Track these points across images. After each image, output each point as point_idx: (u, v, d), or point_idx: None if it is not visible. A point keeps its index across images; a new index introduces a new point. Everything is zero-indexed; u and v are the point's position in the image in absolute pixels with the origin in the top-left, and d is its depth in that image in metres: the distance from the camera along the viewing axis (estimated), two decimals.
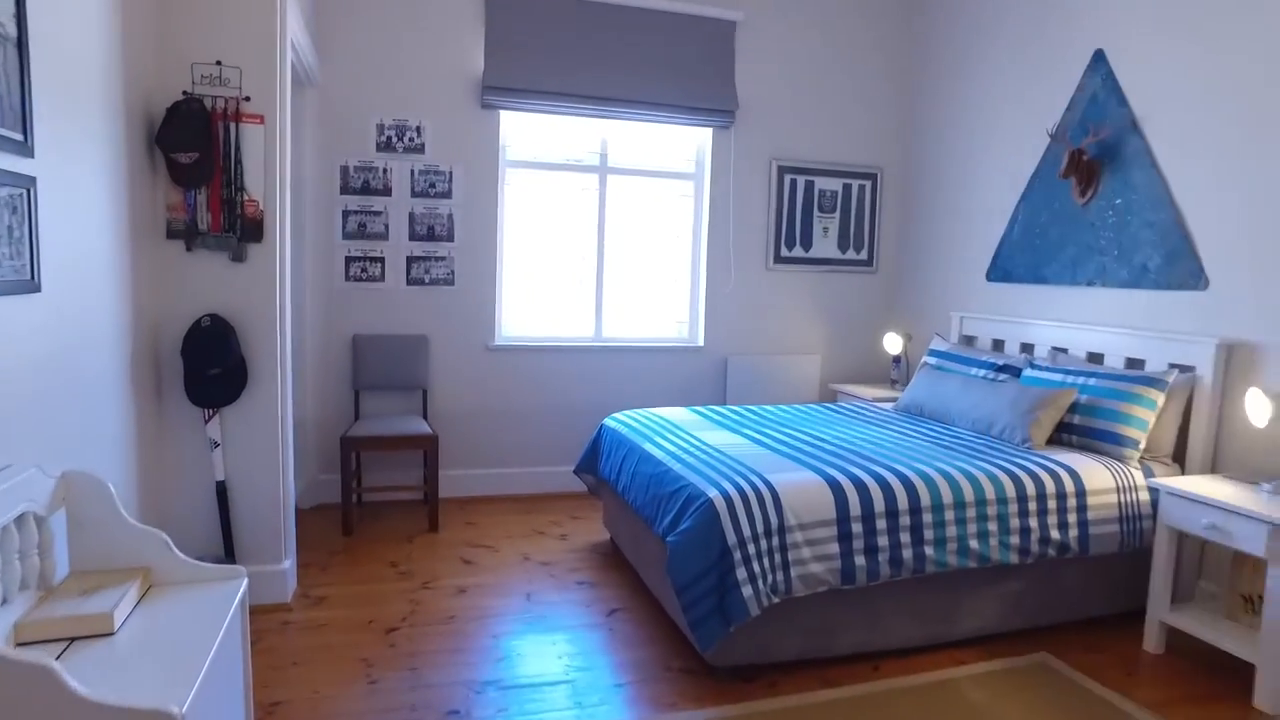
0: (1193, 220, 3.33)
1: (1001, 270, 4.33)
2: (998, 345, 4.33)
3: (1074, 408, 3.38)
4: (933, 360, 4.32)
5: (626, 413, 3.88)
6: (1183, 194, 3.37)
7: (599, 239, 4.74)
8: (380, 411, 4.41)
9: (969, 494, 2.82)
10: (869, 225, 5.13)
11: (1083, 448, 3.34)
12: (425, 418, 4.38)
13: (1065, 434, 3.40)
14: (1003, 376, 3.87)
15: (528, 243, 4.65)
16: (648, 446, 3.28)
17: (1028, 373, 3.75)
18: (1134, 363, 3.55)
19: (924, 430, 3.64)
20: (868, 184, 5.09)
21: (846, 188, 5.04)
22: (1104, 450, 3.28)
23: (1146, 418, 3.22)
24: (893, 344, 4.91)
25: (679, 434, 3.40)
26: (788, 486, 2.68)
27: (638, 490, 3.15)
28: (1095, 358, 3.73)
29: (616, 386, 4.78)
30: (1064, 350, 3.86)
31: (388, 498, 4.48)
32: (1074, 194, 3.85)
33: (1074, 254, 3.87)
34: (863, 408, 4.22)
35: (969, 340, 4.52)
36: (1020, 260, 4.19)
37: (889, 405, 4.34)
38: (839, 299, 5.16)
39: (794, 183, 4.92)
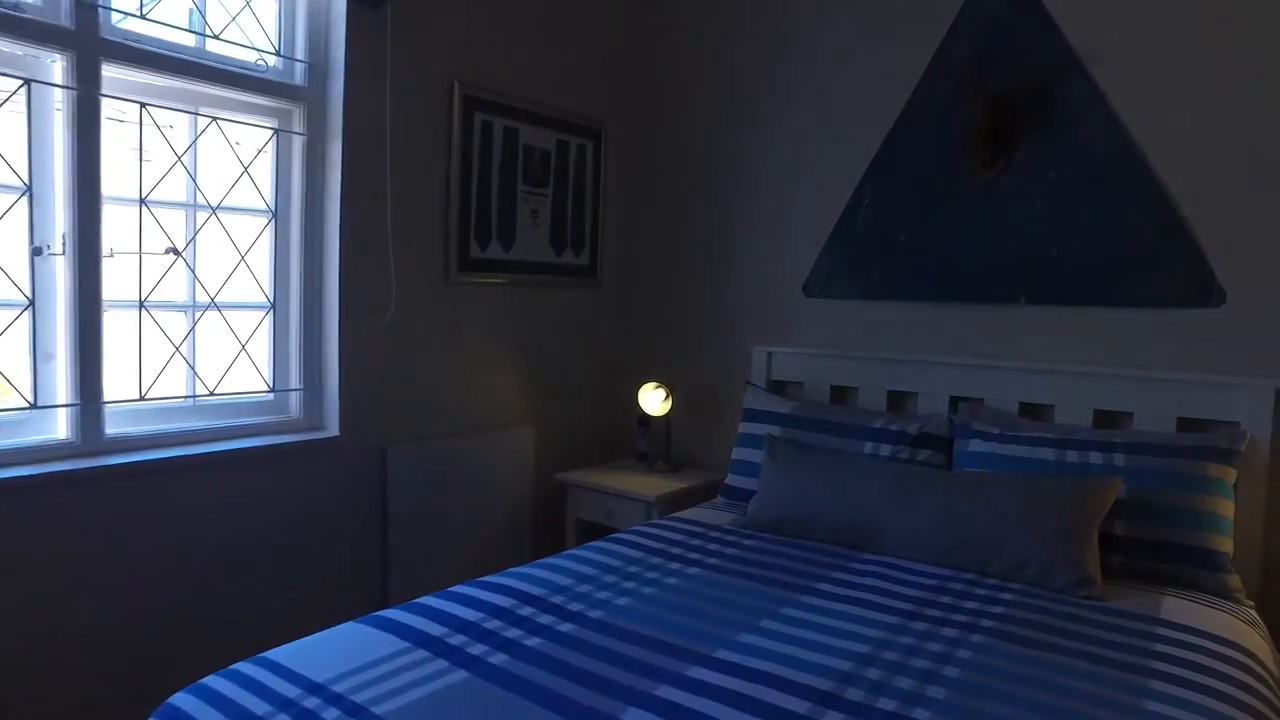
0: (1191, 205, 2.23)
1: (835, 281, 2.85)
2: (838, 395, 2.84)
3: (1114, 509, 2.00)
4: (776, 430, 2.63)
5: (220, 686, 1.36)
6: (1168, 164, 2.25)
7: (73, 216, 1.95)
8: None
9: None
10: (590, 211, 3.23)
11: (1151, 578, 1.99)
12: None
13: (1107, 554, 2.00)
14: (923, 454, 2.37)
15: None
16: None
17: (973, 445, 2.30)
18: (1104, 416, 2.34)
19: (874, 582, 1.92)
20: (589, 145, 3.19)
21: (562, 147, 3.07)
22: (1189, 581, 1.96)
23: (1228, 514, 2.00)
24: (653, 400, 3.10)
25: None
26: None
27: None
28: (1033, 411, 2.46)
29: (151, 557, 2.05)
30: (978, 400, 2.52)
31: None
32: (974, 164, 2.53)
33: (975, 255, 2.55)
34: (686, 532, 2.32)
35: (779, 387, 2.95)
36: (871, 265, 2.76)
37: (711, 512, 2.53)
38: (556, 330, 3.15)
39: (488, 129, 2.77)
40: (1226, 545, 1.95)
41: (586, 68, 3.13)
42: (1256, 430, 2.09)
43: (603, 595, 1.82)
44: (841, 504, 2.20)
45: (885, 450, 2.38)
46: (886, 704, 1.34)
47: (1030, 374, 2.42)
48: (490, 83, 2.75)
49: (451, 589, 1.85)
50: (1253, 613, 1.88)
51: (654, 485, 2.88)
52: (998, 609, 1.77)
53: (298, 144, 2.37)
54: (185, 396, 2.22)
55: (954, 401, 2.56)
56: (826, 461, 2.33)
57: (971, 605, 1.79)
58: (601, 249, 3.27)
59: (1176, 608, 1.81)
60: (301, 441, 2.35)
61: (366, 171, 2.42)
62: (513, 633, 1.61)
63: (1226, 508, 1.98)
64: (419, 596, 1.81)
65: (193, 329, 2.22)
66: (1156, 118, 2.26)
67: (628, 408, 3.39)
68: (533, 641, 1.57)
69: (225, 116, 2.22)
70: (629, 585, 1.89)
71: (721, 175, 3.12)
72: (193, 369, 2.22)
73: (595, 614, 1.71)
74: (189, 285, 2.22)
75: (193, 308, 2.23)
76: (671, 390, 3.11)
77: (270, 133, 2.32)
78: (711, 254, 3.16)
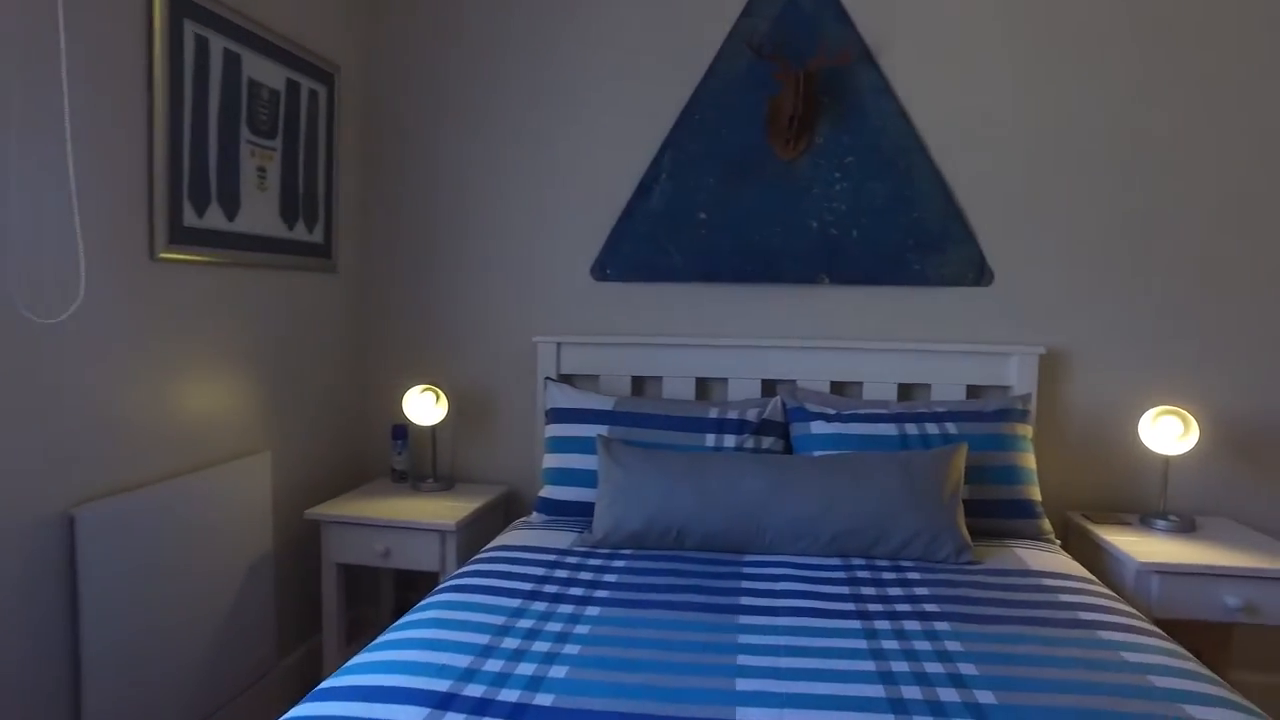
0: (964, 193, 2.47)
1: (629, 262, 2.62)
2: (639, 387, 2.63)
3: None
4: (599, 430, 2.32)
5: None
6: (944, 155, 2.46)
7: None
8: None
9: None
10: (324, 175, 2.54)
11: (991, 533, 2.14)
12: None
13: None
14: (767, 441, 2.28)
15: None
16: None
17: (815, 427, 2.27)
18: (906, 389, 2.50)
19: (790, 586, 1.79)
20: (322, 91, 2.49)
21: (293, 89, 2.34)
22: (1016, 531, 2.16)
23: (1033, 466, 2.24)
24: (421, 407, 2.55)
25: None
26: None
27: None
28: (840, 388, 2.53)
29: None
30: (790, 382, 2.51)
31: None
32: (776, 144, 2.50)
33: (779, 236, 2.53)
34: (539, 563, 1.93)
35: (568, 380, 2.64)
36: (670, 245, 2.59)
37: (543, 533, 2.14)
38: (291, 324, 2.42)
39: (204, 49, 1.98)
40: (1037, 494, 2.20)
41: None
42: (1027, 391, 2.40)
43: (527, 669, 1.38)
44: (715, 506, 2.00)
45: (730, 441, 2.25)
46: None
47: (838, 353, 2.49)
48: None
49: (302, 715, 1.25)
50: (1060, 547, 2.14)
51: (440, 510, 2.38)
52: (921, 590, 1.74)
53: None
54: None
55: (765, 384, 2.53)
56: (683, 462, 2.10)
57: (895, 591, 1.74)
58: (336, 223, 2.60)
59: (1031, 558, 1.97)
60: None
61: (25, 86, 1.54)
62: None
63: (1032, 461, 2.23)
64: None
65: None
66: (934, 111, 2.45)
67: (377, 418, 2.79)
68: None
69: None
70: (543, 647, 1.47)
71: (484, 141, 2.68)
72: None
73: (545, 700, 1.28)
74: None
75: None
76: (439, 396, 2.60)
77: None
78: (474, 232, 2.71)
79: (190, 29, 1.93)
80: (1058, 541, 2.18)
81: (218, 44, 2.02)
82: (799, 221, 2.51)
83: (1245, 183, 2.35)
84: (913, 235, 2.47)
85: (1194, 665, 1.43)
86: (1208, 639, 2.28)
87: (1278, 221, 2.35)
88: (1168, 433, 2.22)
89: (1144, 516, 2.31)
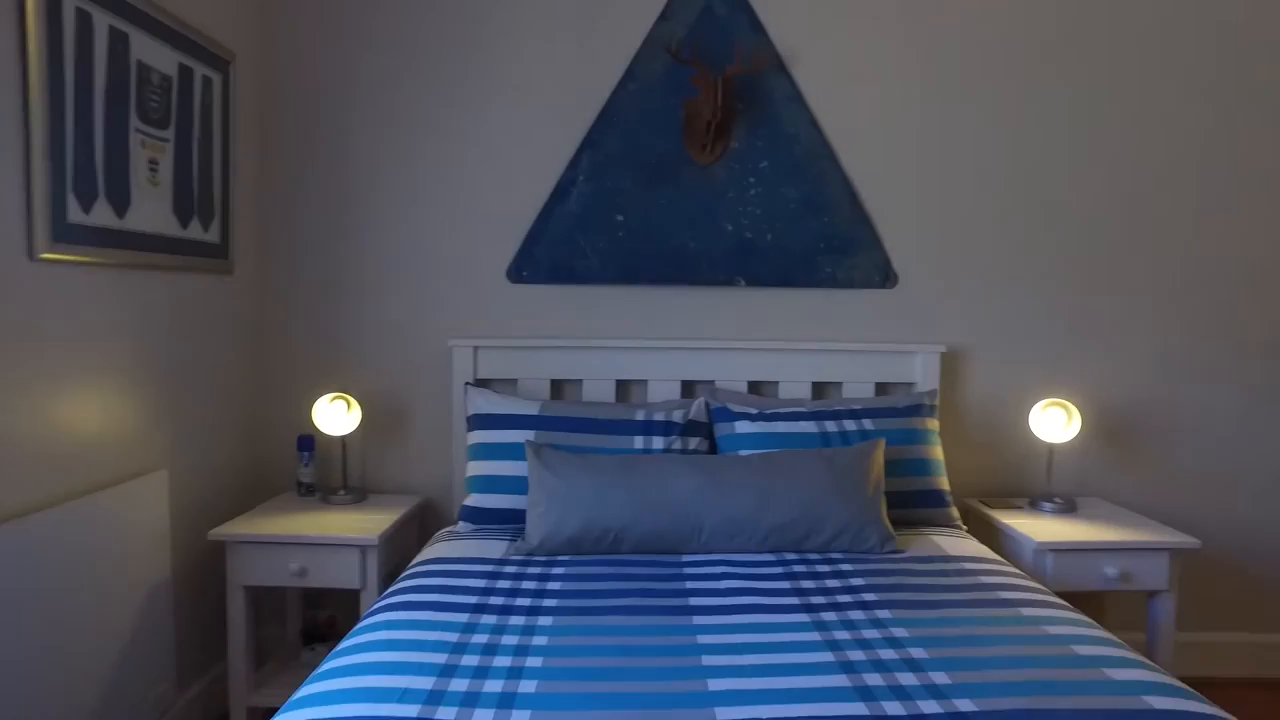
0: (871, 199, 2.59)
1: (546, 264, 2.58)
2: (558, 390, 2.60)
3: None
4: (525, 435, 2.27)
5: None
6: (853, 163, 2.58)
7: None
8: None
9: None
10: (220, 170, 2.35)
11: (907, 523, 2.25)
12: None
13: None
14: (694, 442, 2.31)
15: None
16: None
17: (740, 427, 2.32)
18: (818, 387, 2.60)
19: (734, 584, 1.83)
20: (217, 79, 2.30)
21: (186, 75, 2.15)
22: (930, 519, 2.29)
23: (941, 458, 2.39)
24: (332, 416, 2.42)
25: None
26: None
27: None
28: (756, 387, 2.60)
29: None
30: (709, 383, 2.56)
31: None
32: (693, 148, 2.54)
33: (696, 239, 2.57)
34: (479, 575, 1.89)
35: (485, 384, 2.57)
36: (589, 247, 2.57)
37: (474, 543, 2.08)
38: (188, 331, 2.23)
39: (86, 26, 1.78)
40: (947, 484, 2.35)
41: None
42: (932, 388, 2.55)
43: (495, 686, 1.34)
44: (651, 508, 2.01)
45: (658, 443, 2.26)
46: (930, 707, 1.26)
47: (755, 353, 2.56)
48: None
49: None
50: (966, 532, 2.30)
51: (356, 524, 2.27)
52: (856, 580, 1.82)
53: None
54: None
55: (684, 386, 2.57)
56: (615, 465, 2.10)
57: (833, 583, 1.81)
58: (234, 222, 2.42)
59: (947, 545, 2.10)
60: None
61: None
62: None
63: (940, 453, 2.38)
64: None
65: None
66: (842, 119, 2.57)
67: (279, 428, 2.62)
68: None
69: None
70: (504, 662, 1.44)
71: (393, 137, 2.57)
72: None
73: (522, 717, 1.25)
74: None
75: None
76: (350, 403, 2.47)
77: None
78: (384, 232, 2.59)
79: (70, 2, 1.74)
80: (965, 527, 2.34)
81: (102, 20, 1.83)
82: (715, 225, 2.57)
83: (1126, 197, 2.60)
84: (823, 239, 2.57)
85: (1102, 633, 1.58)
86: (1086, 605, 2.51)
87: (1152, 232, 2.61)
88: (1054, 422, 2.43)
89: (1032, 500, 2.52)
